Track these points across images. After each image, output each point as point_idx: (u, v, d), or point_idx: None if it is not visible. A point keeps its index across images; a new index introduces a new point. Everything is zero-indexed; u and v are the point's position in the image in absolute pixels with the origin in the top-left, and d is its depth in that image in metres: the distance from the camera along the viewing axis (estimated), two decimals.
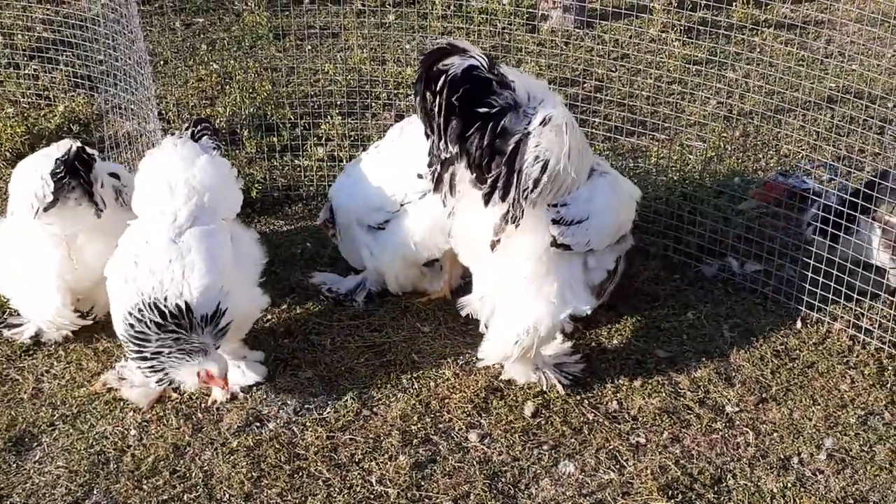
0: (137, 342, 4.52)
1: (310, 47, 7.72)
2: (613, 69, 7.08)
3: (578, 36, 8.03)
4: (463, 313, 5.29)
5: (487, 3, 7.65)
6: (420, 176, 5.11)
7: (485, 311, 4.86)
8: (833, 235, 5.23)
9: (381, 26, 7.69)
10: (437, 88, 4.22)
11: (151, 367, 4.56)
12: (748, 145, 6.78)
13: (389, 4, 8.11)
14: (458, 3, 7.56)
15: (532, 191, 4.36)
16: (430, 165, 4.48)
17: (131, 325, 4.51)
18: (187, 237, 4.64)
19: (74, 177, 4.88)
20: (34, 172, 4.98)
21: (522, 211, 4.40)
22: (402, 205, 5.25)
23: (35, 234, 5.01)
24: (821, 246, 5.31)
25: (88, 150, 5.03)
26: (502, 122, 4.29)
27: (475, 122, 4.27)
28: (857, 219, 5.16)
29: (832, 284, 5.23)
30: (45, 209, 4.86)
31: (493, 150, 4.31)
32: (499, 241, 4.54)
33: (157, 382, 4.64)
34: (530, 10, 8.08)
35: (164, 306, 4.49)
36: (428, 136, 4.38)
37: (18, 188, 5.09)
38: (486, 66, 4.25)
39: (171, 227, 4.64)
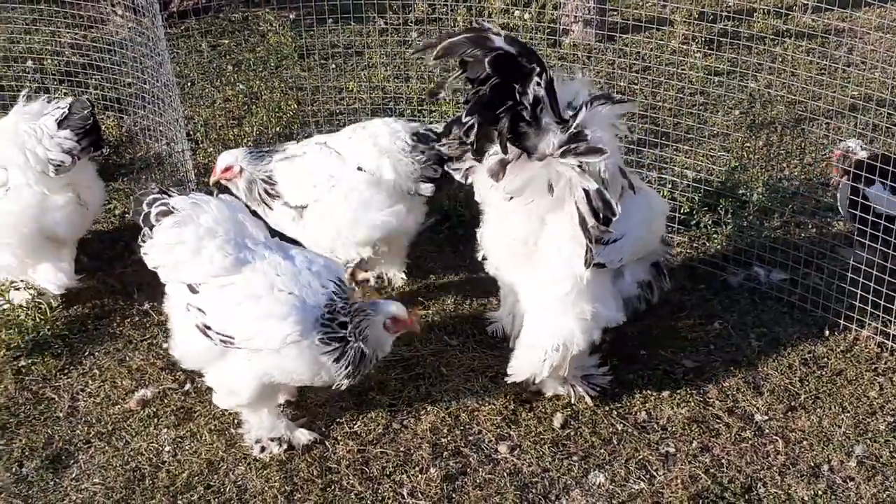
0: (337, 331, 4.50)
1: (334, 66, 7.80)
2: (636, 82, 7.12)
3: (600, 49, 8.08)
4: (489, 329, 5.33)
5: (509, 18, 7.71)
6: (360, 168, 5.32)
7: (516, 325, 4.88)
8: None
9: (404, 44, 7.76)
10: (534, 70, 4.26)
11: (349, 358, 4.52)
12: (772, 155, 6.80)
13: (412, 22, 8.19)
14: (479, 21, 7.61)
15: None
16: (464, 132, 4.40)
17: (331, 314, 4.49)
18: None
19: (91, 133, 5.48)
20: (39, 134, 5.39)
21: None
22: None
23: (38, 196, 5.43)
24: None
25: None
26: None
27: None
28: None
29: (859, 292, 5.25)
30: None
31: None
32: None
33: (355, 376, 4.57)
34: (552, 24, 8.13)
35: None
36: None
37: (18, 155, 5.40)
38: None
39: None
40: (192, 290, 4.49)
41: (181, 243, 4.49)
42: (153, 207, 4.56)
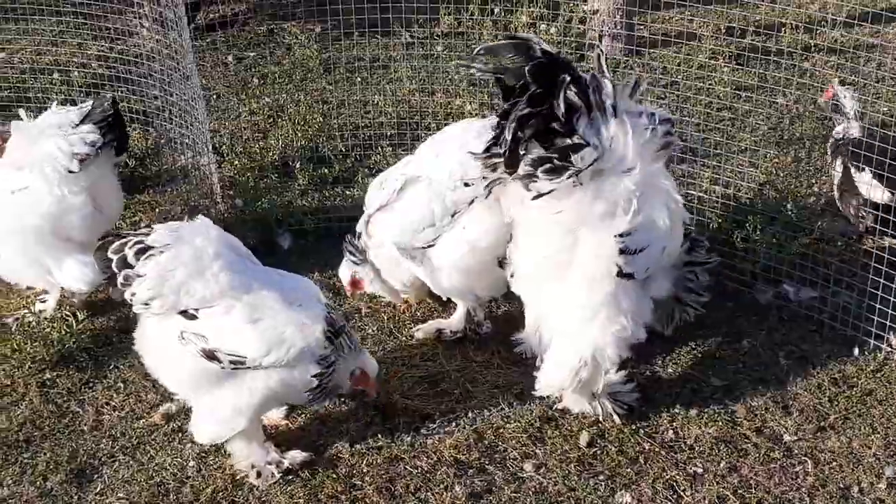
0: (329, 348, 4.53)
1: (359, 79, 7.79)
2: (662, 96, 7.09)
3: (627, 64, 8.04)
4: (517, 350, 5.29)
5: (535, 32, 7.69)
6: (467, 184, 5.04)
7: (542, 343, 4.85)
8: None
9: (430, 57, 7.75)
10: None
11: (324, 385, 4.56)
12: (800, 171, 6.74)
13: (437, 36, 8.17)
14: (505, 34, 7.60)
15: None
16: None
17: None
18: None
19: (113, 129, 5.53)
20: (58, 133, 5.44)
21: None
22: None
23: (57, 197, 5.44)
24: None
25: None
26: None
27: None
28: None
29: (889, 311, 5.19)
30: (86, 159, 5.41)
31: None
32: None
33: (318, 401, 4.67)
34: (578, 38, 8.10)
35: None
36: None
37: (39, 155, 5.44)
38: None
39: None
40: (190, 316, 4.40)
41: (182, 265, 4.39)
42: (126, 248, 4.41)
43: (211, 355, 4.36)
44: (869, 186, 5.71)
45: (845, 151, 5.87)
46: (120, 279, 4.40)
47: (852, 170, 5.81)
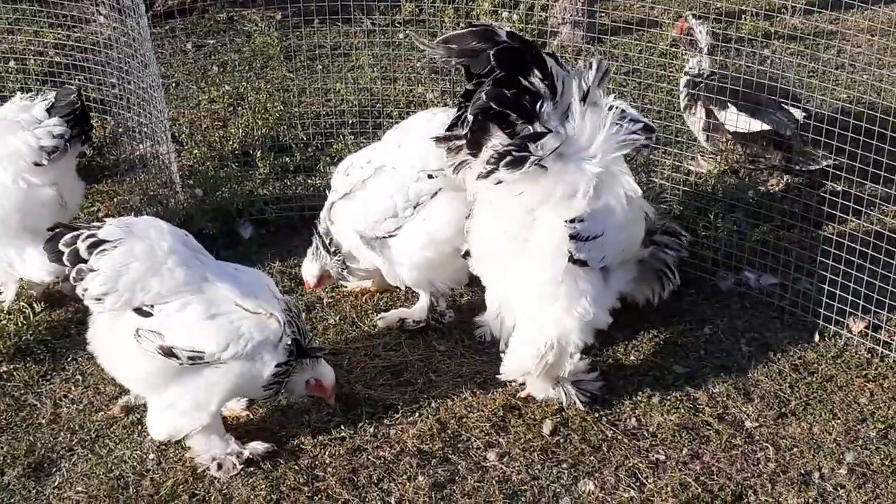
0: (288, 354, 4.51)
1: (320, 67, 7.73)
2: (624, 84, 7.09)
3: (588, 51, 8.04)
4: (477, 334, 5.28)
5: (497, 20, 7.67)
6: (430, 176, 5.04)
7: (504, 327, 4.84)
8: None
9: (391, 45, 7.71)
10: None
11: (280, 381, 4.55)
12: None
13: (399, 23, 8.13)
14: (467, 21, 7.57)
15: None
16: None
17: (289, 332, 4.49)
18: None
19: (80, 122, 5.41)
20: (24, 126, 5.29)
21: None
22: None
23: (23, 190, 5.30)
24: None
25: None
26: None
27: None
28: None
29: (849, 297, 5.23)
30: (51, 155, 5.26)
31: None
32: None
33: (274, 396, 4.66)
34: (540, 26, 8.09)
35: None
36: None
37: (4, 149, 5.29)
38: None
39: None
40: (145, 314, 4.35)
41: (136, 260, 4.32)
42: (79, 242, 4.32)
43: (169, 352, 4.31)
44: (735, 120, 6.13)
45: (703, 94, 6.29)
46: (72, 274, 4.33)
47: (716, 111, 6.25)
